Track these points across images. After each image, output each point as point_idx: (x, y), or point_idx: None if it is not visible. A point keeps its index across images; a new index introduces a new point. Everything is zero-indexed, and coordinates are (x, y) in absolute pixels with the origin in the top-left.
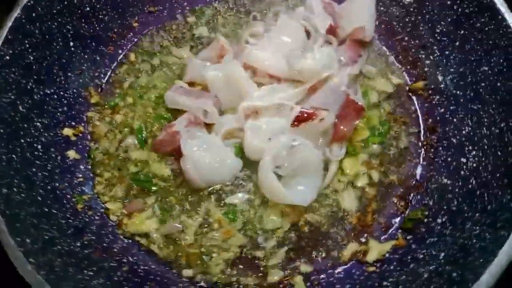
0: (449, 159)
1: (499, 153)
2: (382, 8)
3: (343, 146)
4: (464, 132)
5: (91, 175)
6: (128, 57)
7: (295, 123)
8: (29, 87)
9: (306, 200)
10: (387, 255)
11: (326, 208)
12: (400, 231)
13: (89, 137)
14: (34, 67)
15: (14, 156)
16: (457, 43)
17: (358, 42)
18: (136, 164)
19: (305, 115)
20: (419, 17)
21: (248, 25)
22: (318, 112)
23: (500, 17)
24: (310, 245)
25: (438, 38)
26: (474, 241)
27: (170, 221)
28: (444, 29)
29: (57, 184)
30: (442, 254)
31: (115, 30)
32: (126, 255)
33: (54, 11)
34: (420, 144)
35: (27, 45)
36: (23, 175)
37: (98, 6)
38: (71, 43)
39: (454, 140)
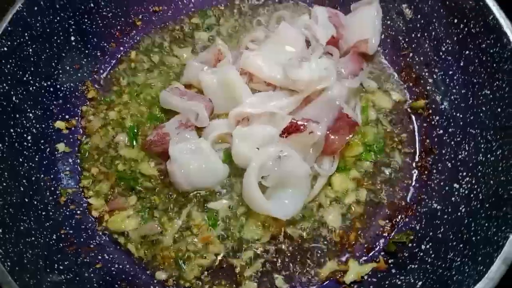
0: (442, 183)
1: (492, 182)
2: (388, 22)
3: (334, 162)
4: (460, 156)
5: (79, 169)
6: (129, 55)
7: (284, 134)
8: (25, 78)
9: (287, 214)
10: (365, 277)
11: (309, 223)
12: (382, 253)
13: (81, 131)
14: (32, 59)
15: (1, 145)
16: (461, 63)
17: (361, 54)
18: (124, 162)
19: (295, 126)
20: (425, 34)
21: (250, 30)
22: (308, 125)
23: (505, 40)
24: (288, 260)
25: (443, 56)
26: (453, 272)
27: (150, 222)
28: (450, 48)
29: (42, 176)
30: (420, 283)
31: (118, 27)
32: (101, 252)
33: (57, 6)
34: (414, 165)
35: (27, 38)
36: (8, 164)
37: (102, 3)
38: (72, 38)
39: (449, 164)
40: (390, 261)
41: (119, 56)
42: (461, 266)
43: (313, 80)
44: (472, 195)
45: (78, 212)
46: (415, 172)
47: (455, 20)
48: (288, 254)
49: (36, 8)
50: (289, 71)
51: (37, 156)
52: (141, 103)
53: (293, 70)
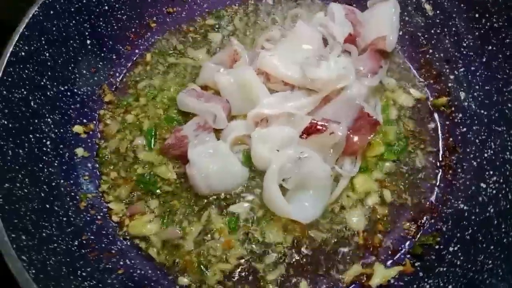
0: (467, 182)
1: None
2: (406, 18)
3: (356, 162)
4: (486, 155)
5: (98, 173)
6: (144, 57)
7: (304, 135)
8: (42, 83)
9: (308, 217)
10: (392, 281)
11: (331, 225)
12: (408, 256)
13: (99, 135)
14: (48, 63)
15: (20, 151)
16: (484, 59)
17: (379, 52)
18: (143, 165)
19: (315, 127)
20: (445, 29)
21: (265, 30)
22: (329, 125)
23: None
24: (311, 263)
25: (464, 52)
26: (485, 276)
27: (171, 226)
28: (471, 43)
29: (62, 181)
30: (450, 287)
31: (133, 29)
32: (123, 257)
33: (72, 9)
34: (438, 164)
35: (43, 42)
36: (28, 170)
37: (116, 5)
38: (88, 41)
39: (475, 163)
40: (416, 264)
41: (134, 58)
42: (494, 269)
43: (332, 79)
44: (500, 195)
45: (99, 217)
46: (439, 172)
47: (477, 15)
48: (312, 258)
49: (52, 12)
50: (307, 70)
51: (56, 162)
52: (158, 106)
53: (311, 69)
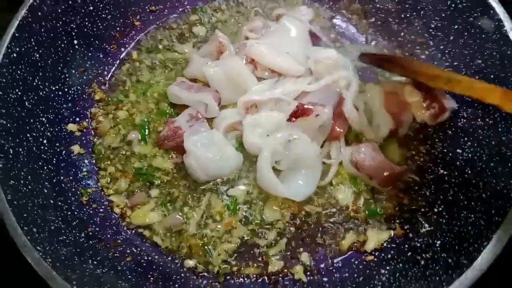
0: (445, 150)
1: (493, 143)
2: (378, 5)
3: (341, 147)
4: (459, 124)
5: (96, 169)
6: (131, 55)
7: (292, 118)
8: (35, 83)
9: (302, 194)
10: (385, 244)
11: (324, 200)
12: (398, 221)
13: (93, 132)
14: (39, 64)
15: (20, 149)
16: (451, 38)
17: None
18: (139, 159)
19: (302, 110)
20: (414, 13)
21: (248, 21)
22: (315, 108)
23: (491, 11)
24: (309, 236)
25: (433, 33)
26: (469, 228)
27: (173, 213)
28: (439, 24)
29: (62, 178)
30: (438, 242)
31: (118, 28)
32: (129, 246)
33: (59, 11)
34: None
35: (33, 43)
36: (29, 168)
37: (101, 5)
38: (75, 41)
39: (450, 132)
40: (406, 227)
41: (121, 57)
42: (476, 221)
43: (336, 63)
44: (475, 157)
45: (101, 210)
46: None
47: None
48: (309, 231)
49: (40, 14)
50: (312, 53)
51: (54, 159)
52: (149, 100)
53: (320, 50)
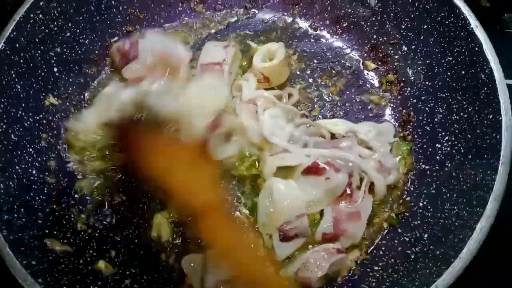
0: (424, 146)
1: (469, 136)
2: (349, 10)
3: None
4: (436, 119)
5: (89, 195)
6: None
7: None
8: (18, 115)
9: None
10: (376, 241)
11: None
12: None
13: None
14: (21, 95)
15: (11, 183)
16: (422, 37)
17: None
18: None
19: (315, 168)
20: (385, 16)
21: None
22: (328, 170)
23: (457, 10)
24: None
25: (404, 33)
26: (454, 220)
27: None
28: (409, 25)
29: (55, 206)
30: (426, 235)
31: (96, 52)
32: (129, 267)
33: (37, 40)
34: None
35: (13, 75)
36: (21, 201)
37: (77, 31)
38: (55, 69)
39: (428, 128)
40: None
41: (102, 79)
42: (459, 212)
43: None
44: (454, 151)
45: (96, 235)
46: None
47: (410, 0)
48: None
49: (17, 45)
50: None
51: (45, 189)
52: None
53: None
